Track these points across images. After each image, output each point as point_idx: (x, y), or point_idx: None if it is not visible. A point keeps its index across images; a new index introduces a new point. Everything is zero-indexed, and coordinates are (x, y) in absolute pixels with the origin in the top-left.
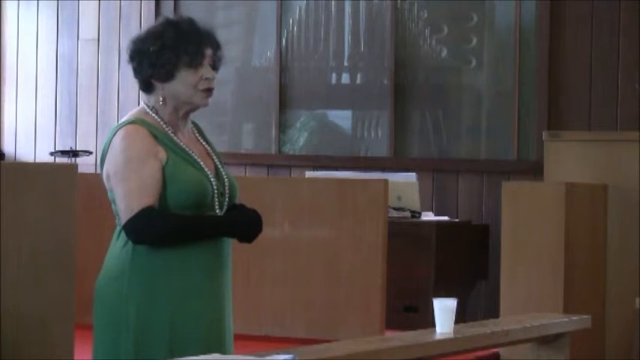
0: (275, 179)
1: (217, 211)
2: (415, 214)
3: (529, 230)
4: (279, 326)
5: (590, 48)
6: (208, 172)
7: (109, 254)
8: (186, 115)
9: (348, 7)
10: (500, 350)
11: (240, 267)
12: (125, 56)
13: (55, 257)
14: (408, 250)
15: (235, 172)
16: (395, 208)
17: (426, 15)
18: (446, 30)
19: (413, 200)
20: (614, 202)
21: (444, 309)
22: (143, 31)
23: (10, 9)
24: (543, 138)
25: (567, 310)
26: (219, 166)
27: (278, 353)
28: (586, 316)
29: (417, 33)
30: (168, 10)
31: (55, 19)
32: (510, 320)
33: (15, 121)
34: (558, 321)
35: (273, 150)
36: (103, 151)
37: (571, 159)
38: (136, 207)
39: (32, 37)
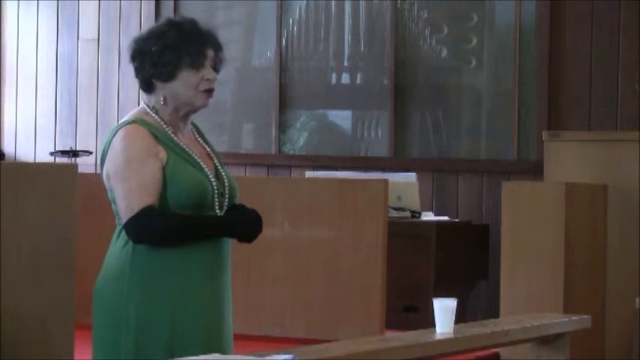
0: (275, 179)
1: (217, 211)
2: (415, 214)
3: (529, 230)
4: (279, 326)
5: (590, 48)
6: (208, 173)
7: (109, 254)
8: (187, 115)
9: (348, 7)
10: (500, 350)
11: (240, 267)
12: (126, 56)
13: (55, 257)
14: (408, 250)
15: (235, 172)
16: (395, 208)
17: (426, 15)
18: (446, 30)
19: (413, 200)
20: (614, 202)
21: (444, 309)
22: (145, 30)
23: (10, 9)
24: (543, 138)
25: (567, 310)
26: (219, 167)
27: (278, 353)
28: (586, 316)
29: (417, 33)
30: (168, 11)
31: (55, 19)
32: (510, 320)
33: (15, 121)
34: (558, 321)
35: (273, 150)
36: (103, 150)
37: (571, 159)
38: (137, 206)
39: (32, 37)
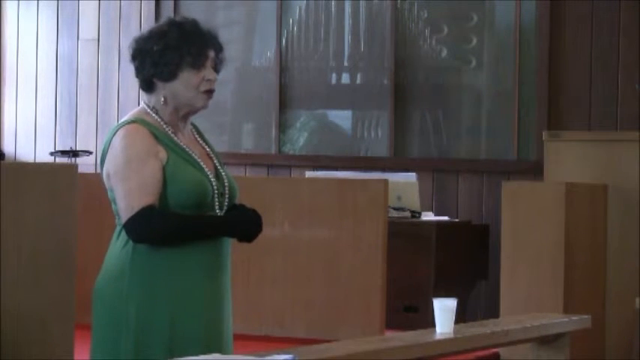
0: (275, 179)
1: (217, 211)
2: (415, 214)
3: (529, 230)
4: (279, 326)
5: (590, 48)
6: (208, 173)
7: (109, 254)
8: (186, 116)
9: (348, 7)
10: (500, 350)
11: (240, 267)
12: (126, 56)
13: (55, 257)
14: (408, 250)
15: (235, 172)
16: (395, 208)
17: (426, 15)
18: (446, 30)
19: (413, 200)
20: (614, 202)
21: (444, 309)
22: (146, 30)
23: (10, 9)
24: (543, 138)
25: (567, 310)
26: (219, 167)
27: (278, 353)
28: (586, 316)
29: (417, 33)
30: (168, 10)
31: (55, 19)
32: (510, 320)
33: (15, 121)
34: (558, 321)
35: (273, 150)
36: (103, 150)
37: (571, 159)
38: (137, 206)
39: (32, 37)
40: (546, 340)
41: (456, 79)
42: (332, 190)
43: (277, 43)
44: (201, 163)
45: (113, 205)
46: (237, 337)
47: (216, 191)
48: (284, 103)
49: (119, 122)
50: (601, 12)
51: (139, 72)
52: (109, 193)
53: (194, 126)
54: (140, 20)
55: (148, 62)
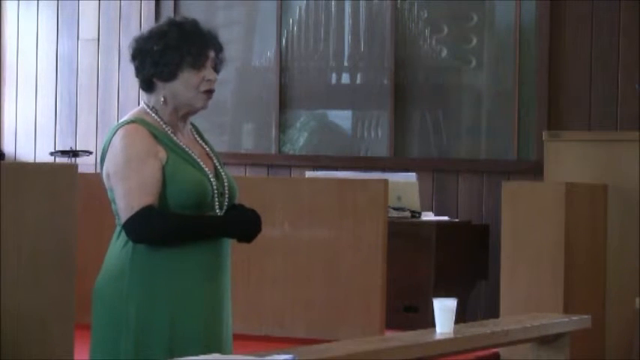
0: (275, 179)
1: (217, 211)
2: (415, 214)
3: (529, 230)
4: (279, 326)
5: (590, 48)
6: (208, 173)
7: (109, 254)
8: (186, 116)
9: (348, 7)
10: (500, 350)
11: (240, 267)
12: (126, 56)
13: (55, 257)
14: (408, 250)
15: (235, 172)
16: (395, 208)
17: (426, 15)
18: (446, 30)
19: (413, 200)
20: (614, 202)
21: (444, 309)
22: (146, 30)
23: (10, 9)
24: (543, 138)
25: (567, 310)
26: (219, 167)
27: (278, 353)
28: (586, 316)
29: (417, 33)
30: (168, 10)
31: (55, 19)
32: (510, 320)
33: (15, 121)
34: (558, 321)
35: (273, 150)
36: (103, 150)
37: (571, 159)
38: (136, 206)
39: (32, 37)
40: (546, 340)
41: (456, 79)
42: (332, 190)
43: (277, 43)
44: (201, 163)
45: (113, 205)
46: (237, 337)
47: (215, 191)
48: (284, 103)
49: (119, 122)
50: (601, 12)
51: (139, 72)
52: (108, 193)
53: (193, 126)
54: (140, 20)
55: (148, 62)
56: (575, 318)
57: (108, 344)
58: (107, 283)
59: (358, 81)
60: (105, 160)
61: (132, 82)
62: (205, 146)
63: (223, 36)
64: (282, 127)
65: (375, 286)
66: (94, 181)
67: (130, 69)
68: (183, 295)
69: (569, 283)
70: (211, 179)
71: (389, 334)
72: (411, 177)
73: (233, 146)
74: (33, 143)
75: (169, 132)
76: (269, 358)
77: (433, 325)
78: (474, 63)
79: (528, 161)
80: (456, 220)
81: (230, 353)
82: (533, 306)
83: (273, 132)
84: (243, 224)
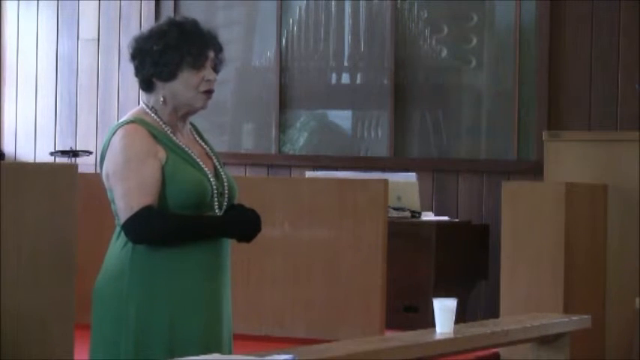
0: (275, 179)
1: (217, 211)
2: (415, 214)
3: (529, 230)
4: (279, 326)
5: (590, 48)
6: (208, 172)
7: (109, 254)
8: (185, 116)
9: (348, 7)
10: (500, 350)
11: (240, 267)
12: (126, 56)
13: (55, 257)
14: (408, 250)
15: (235, 172)
16: (395, 208)
17: (426, 15)
18: (446, 30)
19: (413, 200)
20: (614, 202)
21: (444, 309)
22: (146, 29)
23: (10, 9)
24: (543, 138)
25: (567, 310)
26: (219, 167)
27: (278, 353)
28: (586, 316)
29: (417, 33)
30: (168, 10)
31: (55, 19)
32: (510, 320)
33: (15, 121)
34: (558, 321)
35: (273, 150)
36: (103, 150)
37: (571, 159)
38: (136, 206)
39: (32, 37)
40: (546, 340)
41: (456, 79)
42: (332, 190)
43: (277, 43)
44: (201, 163)
45: (112, 206)
46: (237, 337)
47: (215, 191)
48: (284, 103)
49: (118, 122)
50: (601, 12)
51: (139, 71)
52: (108, 193)
53: (193, 126)
54: (140, 20)
55: (147, 62)
56: (575, 318)
57: (108, 344)
58: (107, 283)
59: (358, 81)
60: (104, 160)
61: (132, 82)
62: (205, 146)
63: (223, 36)
64: (282, 127)
65: (375, 286)
66: (94, 181)
67: (129, 69)
68: (183, 295)
69: (569, 283)
70: (211, 179)
71: (389, 334)
72: (411, 177)
73: (233, 146)
74: (33, 143)
75: (169, 132)
76: (269, 358)
77: (433, 325)
78: (474, 63)
79: (528, 161)
80: (456, 220)
81: (230, 353)
82: (533, 306)
83: (273, 132)
84: (243, 224)
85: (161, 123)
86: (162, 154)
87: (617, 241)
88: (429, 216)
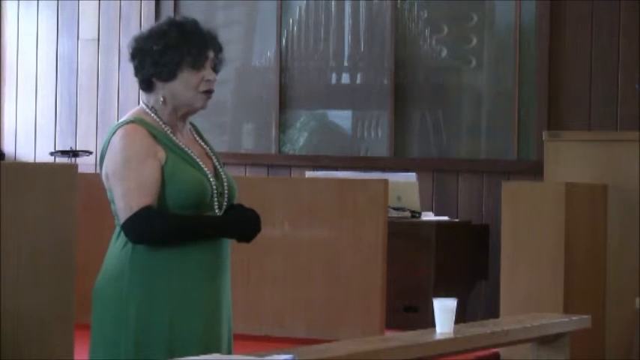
0: (275, 179)
1: (216, 211)
2: (415, 214)
3: (529, 230)
4: (279, 326)
5: (590, 48)
6: (207, 172)
7: (109, 254)
8: (185, 116)
9: (348, 7)
10: (500, 350)
11: (240, 267)
12: (126, 55)
13: (55, 257)
14: (408, 250)
15: (235, 172)
16: (395, 208)
17: (426, 15)
18: (446, 30)
19: (413, 200)
20: (614, 202)
21: (444, 309)
22: (146, 29)
23: (10, 9)
24: (543, 138)
25: (567, 310)
26: (218, 167)
27: (278, 353)
28: (586, 316)
29: (417, 33)
30: (168, 10)
31: (55, 19)
32: (510, 320)
33: (15, 121)
34: (558, 321)
35: (273, 150)
36: (102, 150)
37: (571, 159)
38: (135, 206)
39: (32, 37)
40: (546, 340)
41: (456, 79)
42: (332, 190)
43: (277, 43)
44: (201, 163)
45: (112, 206)
46: (237, 337)
47: (215, 191)
48: (284, 103)
49: (118, 122)
50: (601, 12)
51: (138, 71)
52: (108, 193)
53: (193, 125)
54: (140, 20)
55: (147, 62)
56: (575, 318)
57: (108, 344)
58: (107, 283)
59: (358, 81)
60: (104, 160)
61: (132, 82)
62: (205, 146)
63: (223, 36)
64: (282, 127)
65: (375, 286)
66: (94, 181)
67: (129, 69)
68: (183, 296)
69: (569, 283)
70: (211, 179)
71: (389, 334)
72: (411, 177)
73: (233, 146)
74: (33, 143)
75: (168, 132)
76: (269, 358)
77: (433, 325)
78: (474, 63)
79: (528, 161)
80: (456, 220)
81: (230, 353)
82: (533, 306)
83: (273, 132)
84: (243, 224)
85: (161, 123)
86: (161, 154)
87: (617, 241)
88: (429, 216)
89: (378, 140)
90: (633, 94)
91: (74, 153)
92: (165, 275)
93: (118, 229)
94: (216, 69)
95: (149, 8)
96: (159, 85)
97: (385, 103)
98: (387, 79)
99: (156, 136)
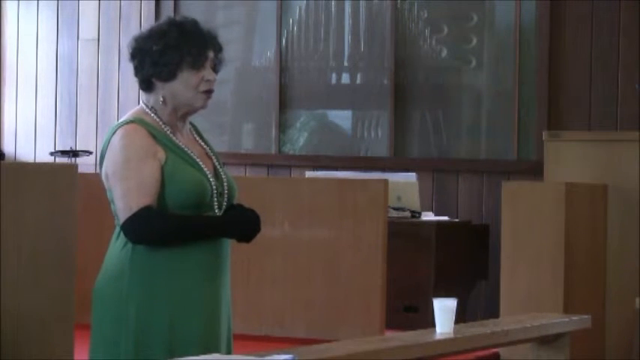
0: (275, 179)
1: (216, 211)
2: (415, 214)
3: (529, 230)
4: (279, 326)
5: (590, 48)
6: (207, 172)
7: (109, 254)
8: (185, 116)
9: (348, 7)
10: (500, 350)
11: (240, 267)
12: (126, 55)
13: (55, 257)
14: (408, 250)
15: (235, 172)
16: (395, 208)
17: (426, 15)
18: (446, 30)
19: (413, 200)
20: (614, 202)
21: (444, 309)
22: (146, 29)
23: (10, 9)
24: (543, 138)
25: (567, 310)
26: (218, 167)
27: (278, 353)
28: (586, 316)
29: (417, 33)
30: (168, 10)
31: (55, 19)
32: (510, 320)
33: (15, 121)
34: (558, 321)
35: (273, 150)
36: (102, 150)
37: (571, 159)
38: (135, 206)
39: (32, 37)
40: (546, 340)
41: (456, 79)
42: (332, 190)
43: (277, 43)
44: (200, 163)
45: (112, 206)
46: (237, 337)
47: (215, 191)
48: (284, 103)
49: (118, 122)
50: (601, 12)
51: (138, 71)
52: (107, 193)
53: (193, 125)
54: (140, 20)
55: (147, 62)
56: (575, 318)
57: (108, 344)
58: (107, 283)
59: (358, 81)
60: (104, 160)
61: (132, 82)
62: (205, 146)
63: (223, 36)
64: (282, 127)
65: (375, 286)
66: (94, 181)
67: (129, 69)
68: (182, 296)
69: (569, 283)
70: (210, 179)
71: (389, 334)
72: (411, 177)
73: (233, 146)
74: (33, 143)
75: (168, 132)
76: (269, 358)
77: (433, 325)
78: (474, 63)
79: (528, 161)
80: (456, 220)
81: (230, 353)
82: (533, 306)
83: (273, 132)
84: (243, 224)
85: (161, 123)
86: (161, 154)
87: (617, 241)
88: (429, 216)
89: (378, 140)
90: (633, 94)
91: (74, 153)
92: (165, 275)
93: (117, 229)
94: (216, 69)
95: (149, 8)
96: (159, 85)
97: (385, 103)
98: (387, 79)
99: (156, 136)
